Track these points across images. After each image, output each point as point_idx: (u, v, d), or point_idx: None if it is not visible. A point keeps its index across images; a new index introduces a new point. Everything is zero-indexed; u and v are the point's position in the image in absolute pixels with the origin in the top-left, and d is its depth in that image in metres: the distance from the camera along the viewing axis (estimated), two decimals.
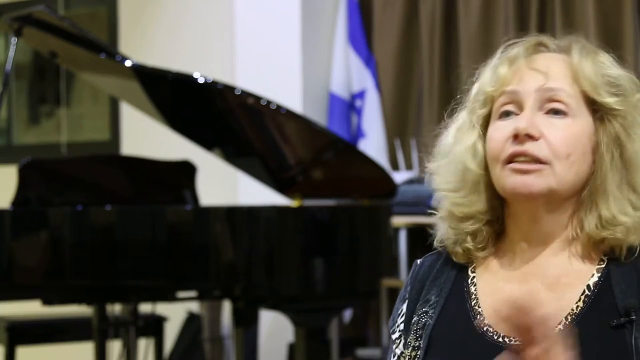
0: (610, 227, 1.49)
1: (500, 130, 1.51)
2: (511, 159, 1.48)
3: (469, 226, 1.56)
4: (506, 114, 1.52)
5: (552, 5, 4.88)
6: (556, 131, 1.48)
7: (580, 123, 1.50)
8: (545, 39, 1.57)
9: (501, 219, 1.57)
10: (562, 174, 1.48)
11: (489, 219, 1.56)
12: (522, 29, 4.87)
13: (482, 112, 1.55)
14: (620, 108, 1.50)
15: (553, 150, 1.47)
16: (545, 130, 1.48)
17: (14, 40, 3.75)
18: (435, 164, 1.59)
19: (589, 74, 1.51)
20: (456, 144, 1.57)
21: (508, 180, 1.49)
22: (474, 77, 1.59)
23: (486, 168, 1.54)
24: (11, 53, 3.73)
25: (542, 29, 4.83)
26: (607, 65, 1.54)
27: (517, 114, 1.51)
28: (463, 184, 1.55)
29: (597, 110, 1.52)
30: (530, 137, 1.47)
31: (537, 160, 1.47)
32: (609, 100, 1.50)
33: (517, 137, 1.48)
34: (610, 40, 4.70)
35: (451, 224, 1.57)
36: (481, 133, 1.55)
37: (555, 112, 1.50)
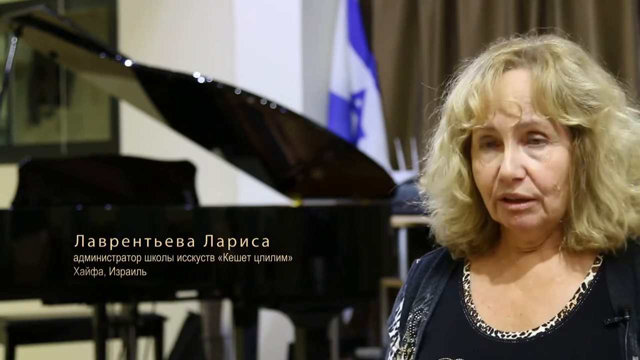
0: (586, 243, 1.52)
1: (486, 165, 1.53)
2: (502, 199, 1.52)
3: (462, 238, 1.60)
4: (488, 145, 1.54)
5: (552, 5, 4.87)
6: (539, 165, 1.51)
7: (560, 148, 1.52)
8: (510, 54, 1.55)
9: (495, 227, 1.60)
10: (551, 205, 1.52)
11: (482, 233, 1.60)
12: (522, 29, 4.85)
13: (462, 138, 1.57)
14: (587, 126, 1.51)
15: (540, 186, 1.51)
16: (529, 165, 1.51)
17: (14, 40, 3.75)
18: (425, 182, 1.63)
19: (551, 98, 1.50)
20: (442, 165, 1.59)
21: (502, 217, 1.53)
22: (448, 86, 1.61)
23: (474, 193, 1.57)
24: (11, 53, 3.73)
25: (542, 29, 4.82)
26: (574, 76, 1.52)
27: (498, 146, 1.52)
28: (454, 207, 1.59)
29: (572, 128, 1.52)
30: (516, 180, 1.50)
31: (527, 199, 1.51)
32: (575, 121, 1.51)
33: (503, 181, 1.51)
34: (610, 40, 4.71)
35: (443, 235, 1.62)
36: (463, 158, 1.57)
37: (535, 141, 1.51)
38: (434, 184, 1.61)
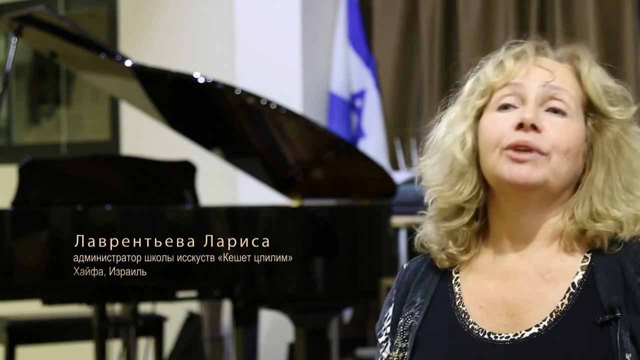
0: (602, 220, 1.53)
1: (502, 120, 1.55)
2: (512, 148, 1.52)
3: (454, 223, 1.58)
4: (505, 107, 1.56)
5: (552, 5, 4.87)
6: (557, 127, 1.53)
7: (577, 125, 1.55)
8: (547, 45, 1.62)
9: (481, 216, 1.59)
10: (557, 167, 1.52)
11: (474, 209, 1.58)
12: (522, 29, 4.87)
13: (479, 102, 1.59)
14: (620, 117, 1.55)
15: (553, 144, 1.52)
16: (548, 123, 1.53)
17: (14, 40, 3.75)
18: (426, 160, 1.62)
19: (593, 82, 1.56)
20: (446, 136, 1.60)
21: (505, 167, 1.52)
22: (470, 71, 1.63)
23: (474, 159, 1.57)
24: (11, 53, 3.73)
25: (542, 29, 4.83)
26: (605, 77, 1.59)
27: (516, 108, 1.55)
28: (450, 174, 1.58)
29: (591, 117, 1.56)
30: (534, 129, 1.51)
31: (537, 151, 1.51)
32: (610, 109, 1.55)
33: (521, 127, 1.52)
34: (610, 40, 4.70)
35: (435, 226, 1.61)
36: (472, 124, 1.58)
37: (555, 110, 1.54)
38: (436, 149, 1.61)
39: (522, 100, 1.55)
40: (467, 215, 1.58)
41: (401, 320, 1.61)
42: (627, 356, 1.46)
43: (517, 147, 1.51)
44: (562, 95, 1.54)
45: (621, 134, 1.55)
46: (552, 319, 1.50)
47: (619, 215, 1.52)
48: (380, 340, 1.64)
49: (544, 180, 1.51)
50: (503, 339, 1.51)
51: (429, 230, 1.62)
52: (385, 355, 1.62)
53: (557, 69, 1.57)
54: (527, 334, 1.50)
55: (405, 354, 1.58)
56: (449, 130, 1.60)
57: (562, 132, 1.52)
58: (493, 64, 1.59)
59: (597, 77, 1.57)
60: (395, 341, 1.60)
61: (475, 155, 1.57)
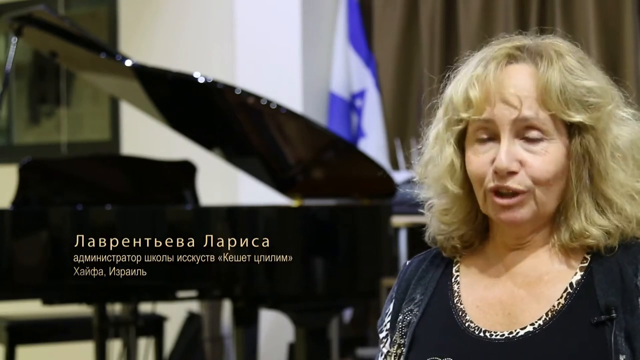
0: (582, 239, 1.53)
1: (480, 156, 1.54)
2: (493, 191, 1.52)
3: (455, 231, 1.61)
4: (483, 140, 1.54)
5: (552, 5, 4.88)
6: (534, 159, 1.51)
7: (556, 145, 1.52)
8: (513, 48, 1.56)
9: (486, 223, 1.61)
10: (542, 198, 1.52)
11: (473, 225, 1.60)
12: (522, 29, 4.86)
13: (458, 128, 1.57)
14: (590, 123, 1.52)
15: (533, 179, 1.51)
16: (524, 159, 1.51)
17: (14, 40, 3.75)
18: (419, 171, 1.64)
19: (555, 94, 1.51)
20: (436, 155, 1.60)
21: (492, 211, 1.53)
22: (446, 80, 1.61)
23: (466, 184, 1.58)
24: (11, 53, 3.73)
25: (542, 29, 4.82)
26: (577, 74, 1.53)
27: (493, 140, 1.53)
28: (445, 197, 1.60)
29: (569, 125, 1.53)
30: (510, 172, 1.51)
31: (519, 192, 1.51)
32: (578, 118, 1.51)
33: (497, 173, 1.51)
34: (610, 40, 4.71)
35: (437, 228, 1.63)
36: (457, 149, 1.57)
37: (532, 137, 1.52)
38: (427, 173, 1.62)
39: (496, 134, 1.52)
40: (465, 229, 1.61)
41: (400, 317, 1.62)
42: (621, 357, 1.46)
43: (499, 191, 1.51)
44: (533, 122, 1.51)
45: (592, 141, 1.52)
46: (547, 318, 1.51)
47: (595, 233, 1.52)
48: (381, 335, 1.65)
49: (532, 214, 1.52)
50: (498, 337, 1.52)
51: (435, 223, 1.64)
52: (385, 350, 1.63)
53: (523, 91, 1.52)
54: (522, 332, 1.51)
55: (403, 350, 1.59)
56: (437, 149, 1.59)
57: (541, 163, 1.51)
58: (461, 91, 1.55)
59: (558, 82, 1.51)
60: (394, 337, 1.61)
61: (467, 180, 1.57)
